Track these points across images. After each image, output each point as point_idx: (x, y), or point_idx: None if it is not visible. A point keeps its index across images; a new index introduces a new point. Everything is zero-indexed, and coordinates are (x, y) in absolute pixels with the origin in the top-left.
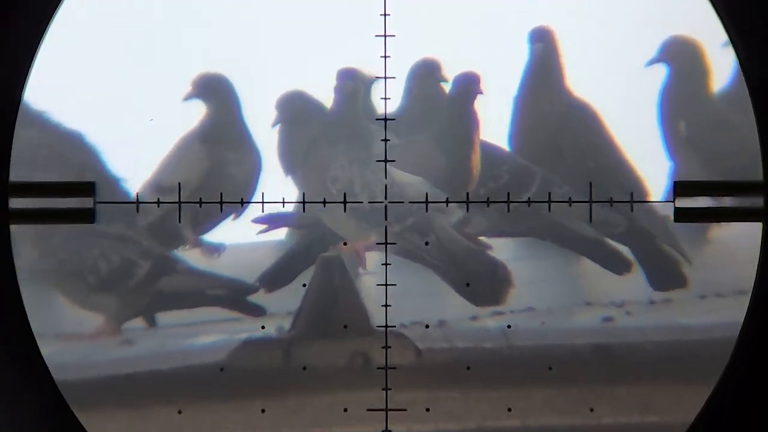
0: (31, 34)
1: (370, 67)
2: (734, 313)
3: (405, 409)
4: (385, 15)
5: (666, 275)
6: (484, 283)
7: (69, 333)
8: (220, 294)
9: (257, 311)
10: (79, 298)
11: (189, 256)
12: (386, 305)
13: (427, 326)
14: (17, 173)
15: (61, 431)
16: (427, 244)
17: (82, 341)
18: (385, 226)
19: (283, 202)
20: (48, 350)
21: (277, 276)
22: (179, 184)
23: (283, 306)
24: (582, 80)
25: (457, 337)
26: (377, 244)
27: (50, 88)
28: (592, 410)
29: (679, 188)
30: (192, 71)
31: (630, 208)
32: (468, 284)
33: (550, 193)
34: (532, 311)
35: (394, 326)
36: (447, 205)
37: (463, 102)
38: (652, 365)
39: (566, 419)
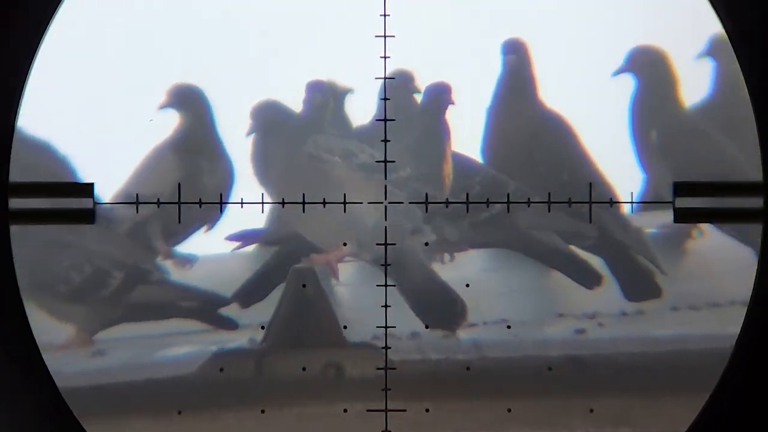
0: (31, 34)
1: (370, 67)
2: (708, 325)
3: (404, 410)
4: (385, 15)
5: (640, 286)
6: (440, 313)
7: (41, 344)
8: (192, 306)
9: (229, 324)
10: (51, 308)
11: (161, 267)
12: (386, 305)
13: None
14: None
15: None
16: (426, 244)
17: (54, 352)
18: (385, 227)
19: (283, 203)
20: None
21: (252, 291)
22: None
23: (255, 317)
24: (555, 92)
25: (430, 349)
26: (377, 244)
27: (50, 88)
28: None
29: (679, 188)
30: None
31: (630, 209)
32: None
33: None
34: (505, 323)
35: (394, 326)
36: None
37: (435, 112)
38: (624, 377)
39: (539, 431)
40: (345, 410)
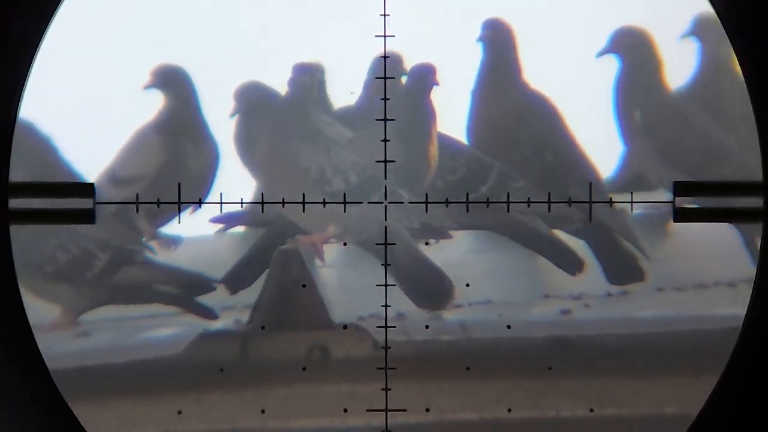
0: (31, 34)
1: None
2: (693, 306)
3: (405, 410)
4: (385, 15)
5: (623, 270)
6: (430, 292)
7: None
8: (175, 293)
9: (209, 314)
10: (37, 288)
11: (146, 248)
12: (386, 305)
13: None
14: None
15: (55, 422)
16: (427, 243)
17: (39, 333)
18: (385, 226)
19: (283, 203)
20: None
21: (240, 276)
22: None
23: (240, 299)
24: (539, 73)
25: (415, 330)
26: (377, 244)
27: (50, 88)
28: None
29: (679, 188)
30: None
31: (630, 208)
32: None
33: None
34: (491, 304)
35: (394, 326)
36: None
37: (420, 93)
38: (609, 358)
39: (523, 412)
40: (345, 410)
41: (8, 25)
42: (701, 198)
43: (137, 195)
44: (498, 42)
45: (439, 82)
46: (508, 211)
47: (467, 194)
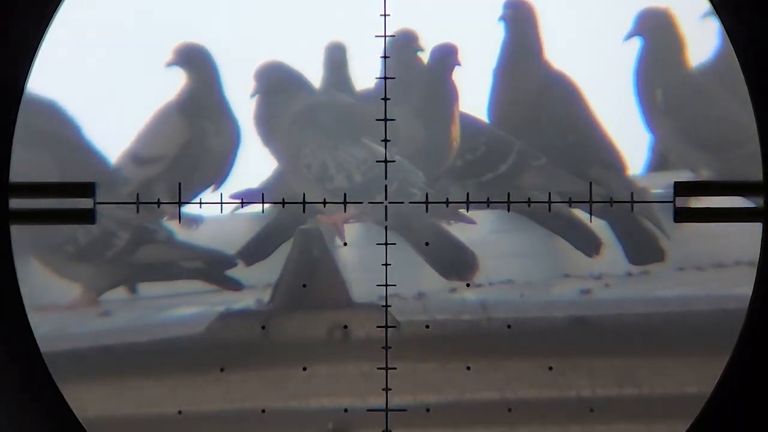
0: (31, 34)
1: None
2: (714, 285)
3: (405, 410)
4: (385, 15)
5: (644, 250)
6: (454, 263)
7: (46, 304)
8: (199, 267)
9: (235, 285)
10: (57, 268)
11: (168, 227)
12: (386, 305)
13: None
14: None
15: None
16: (427, 244)
17: (60, 312)
18: (386, 226)
19: (283, 203)
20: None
21: (256, 250)
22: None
23: (261, 278)
24: (561, 53)
25: (436, 310)
26: (377, 244)
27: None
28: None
29: (679, 188)
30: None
31: (630, 208)
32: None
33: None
34: (511, 284)
35: (395, 326)
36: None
37: (441, 73)
38: (629, 337)
39: (544, 391)
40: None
41: (8, 25)
42: (701, 198)
43: (137, 195)
44: (520, 21)
45: (461, 62)
46: (509, 210)
47: (467, 194)
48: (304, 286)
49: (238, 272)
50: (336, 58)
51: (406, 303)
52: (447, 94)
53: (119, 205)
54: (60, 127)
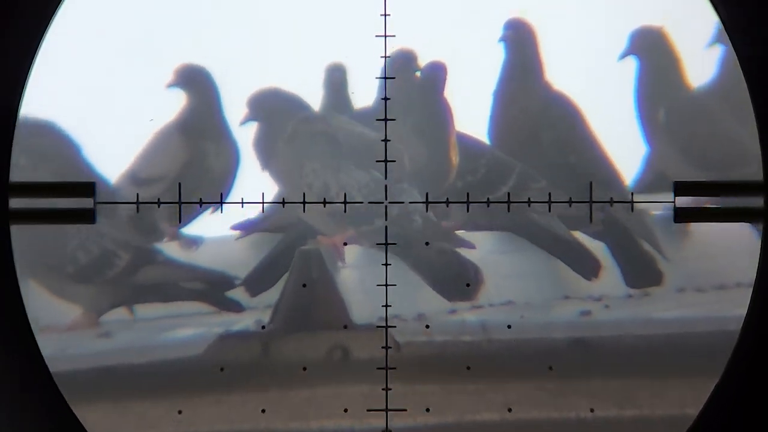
0: (31, 34)
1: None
2: (714, 307)
3: (405, 409)
4: (385, 15)
5: (641, 273)
6: (456, 282)
7: (45, 325)
8: (199, 288)
9: (236, 307)
10: (57, 289)
11: (168, 248)
12: (386, 305)
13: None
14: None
15: (55, 423)
16: (427, 244)
17: (59, 333)
18: (386, 226)
19: (283, 202)
20: None
21: (259, 279)
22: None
23: (261, 299)
24: (561, 74)
25: (436, 331)
26: (377, 244)
27: (50, 88)
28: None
29: (679, 188)
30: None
31: (630, 208)
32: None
33: (530, 199)
34: (511, 305)
35: (395, 326)
36: (426, 208)
37: (433, 91)
38: (629, 359)
39: (544, 412)
40: (345, 410)
41: (8, 25)
42: (701, 198)
43: (137, 195)
44: (520, 42)
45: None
46: (508, 210)
47: (467, 194)
48: (305, 285)
49: (239, 293)
50: (336, 79)
51: (407, 324)
52: (440, 111)
53: (119, 227)
54: (59, 147)
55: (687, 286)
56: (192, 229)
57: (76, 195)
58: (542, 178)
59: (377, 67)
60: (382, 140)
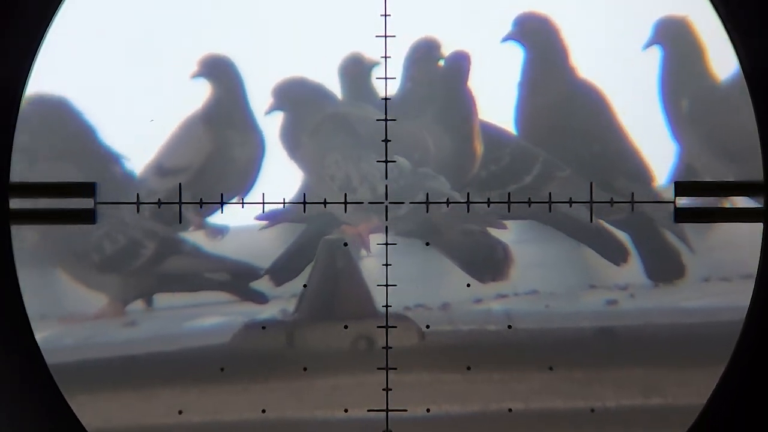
0: (32, 33)
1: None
2: (740, 297)
3: (405, 410)
4: (385, 15)
5: (664, 265)
6: (486, 262)
7: (71, 314)
8: (224, 279)
9: (260, 298)
10: (83, 278)
11: (193, 237)
12: (386, 306)
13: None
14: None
15: (54, 420)
16: (427, 244)
17: (85, 322)
18: (386, 226)
19: (284, 203)
20: (48, 332)
21: (284, 269)
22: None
23: (286, 289)
24: (585, 62)
25: (461, 320)
26: (378, 244)
27: (50, 88)
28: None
29: (680, 188)
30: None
31: (631, 208)
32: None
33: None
34: (536, 294)
35: (395, 326)
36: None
37: (457, 81)
38: (655, 348)
39: (569, 402)
40: (346, 410)
41: (8, 25)
42: (701, 198)
43: (137, 195)
44: (536, 35)
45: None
46: (509, 210)
47: (467, 193)
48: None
49: (263, 284)
50: (360, 69)
51: (431, 313)
52: (464, 101)
53: (147, 216)
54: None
55: (712, 275)
56: (217, 219)
57: (77, 195)
58: (566, 167)
59: (378, 67)
60: (383, 140)
